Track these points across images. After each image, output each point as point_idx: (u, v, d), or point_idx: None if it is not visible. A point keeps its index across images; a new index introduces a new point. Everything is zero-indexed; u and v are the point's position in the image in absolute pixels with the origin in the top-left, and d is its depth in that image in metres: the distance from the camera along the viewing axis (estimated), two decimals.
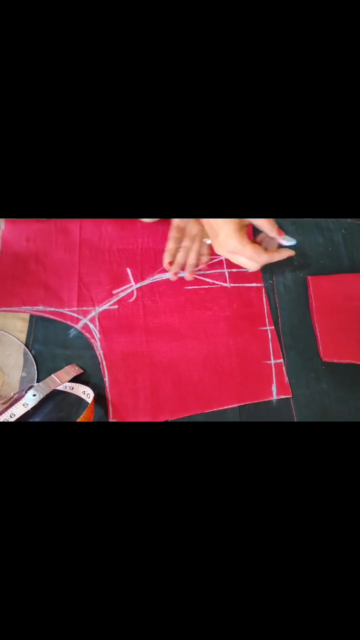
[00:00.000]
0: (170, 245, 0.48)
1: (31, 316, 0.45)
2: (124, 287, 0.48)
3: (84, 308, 0.46)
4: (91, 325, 0.45)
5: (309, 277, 0.52)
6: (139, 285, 0.49)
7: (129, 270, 0.49)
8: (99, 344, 0.44)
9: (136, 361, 0.44)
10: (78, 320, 0.45)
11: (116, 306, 0.47)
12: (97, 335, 0.45)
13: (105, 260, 0.49)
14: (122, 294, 0.48)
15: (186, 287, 0.49)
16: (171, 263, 0.48)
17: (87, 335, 0.45)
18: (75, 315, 0.45)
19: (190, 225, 0.48)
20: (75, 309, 0.46)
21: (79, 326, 0.45)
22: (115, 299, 0.47)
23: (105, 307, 0.47)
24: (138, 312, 0.47)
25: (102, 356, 0.44)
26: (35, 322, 0.45)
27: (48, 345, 0.44)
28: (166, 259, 0.48)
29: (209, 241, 0.47)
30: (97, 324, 0.45)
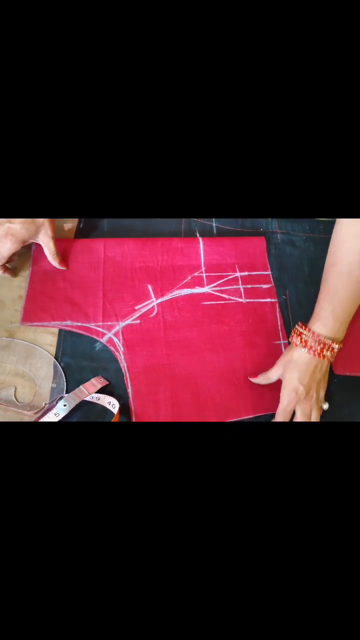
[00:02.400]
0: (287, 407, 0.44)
1: (60, 330, 0.48)
2: (146, 303, 0.51)
3: (109, 323, 0.49)
4: (115, 339, 0.48)
5: None
6: (159, 300, 0.51)
7: (149, 287, 0.52)
8: (122, 356, 0.47)
9: (157, 373, 0.47)
10: (103, 334, 0.48)
11: (138, 321, 0.50)
12: (121, 348, 0.48)
13: (127, 277, 0.52)
14: (143, 310, 0.51)
15: (204, 303, 0.52)
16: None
17: (112, 348, 0.48)
18: (100, 329, 0.48)
19: (300, 404, 0.44)
20: (100, 323, 0.49)
21: (104, 340, 0.48)
22: (137, 314, 0.50)
23: (128, 322, 0.49)
24: (159, 326, 0.50)
25: (126, 368, 0.47)
26: (64, 337, 0.48)
27: (76, 358, 0.47)
28: (279, 418, 0.44)
29: (325, 406, 0.46)
30: (121, 338, 0.48)
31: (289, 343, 0.50)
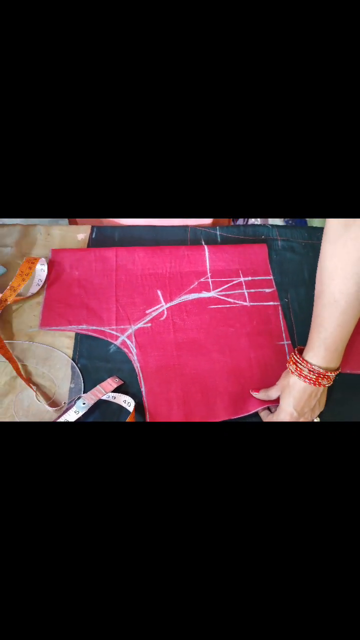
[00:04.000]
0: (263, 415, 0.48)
1: (76, 334, 0.51)
2: (156, 307, 0.54)
3: (122, 326, 0.52)
4: (128, 342, 0.51)
5: None
6: (168, 305, 0.54)
7: (159, 292, 0.55)
8: (135, 357, 0.50)
9: (168, 373, 0.50)
10: (117, 337, 0.51)
11: (149, 324, 0.53)
12: (134, 350, 0.51)
13: (138, 284, 0.55)
14: (154, 314, 0.54)
15: (210, 307, 0.55)
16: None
17: (125, 350, 0.50)
18: (114, 333, 0.51)
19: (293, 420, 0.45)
20: (114, 327, 0.52)
21: (118, 342, 0.51)
22: (148, 318, 0.53)
23: (140, 325, 0.52)
24: (169, 329, 0.53)
25: (139, 369, 0.50)
26: (80, 340, 0.51)
27: (92, 360, 0.49)
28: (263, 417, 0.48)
29: (317, 419, 0.47)
30: (134, 340, 0.51)
31: (292, 345, 0.53)
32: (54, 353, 0.49)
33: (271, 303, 0.57)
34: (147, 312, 0.53)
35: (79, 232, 0.59)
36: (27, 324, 0.51)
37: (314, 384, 0.44)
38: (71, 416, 0.44)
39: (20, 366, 0.48)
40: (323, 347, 0.44)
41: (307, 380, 0.44)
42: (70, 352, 0.50)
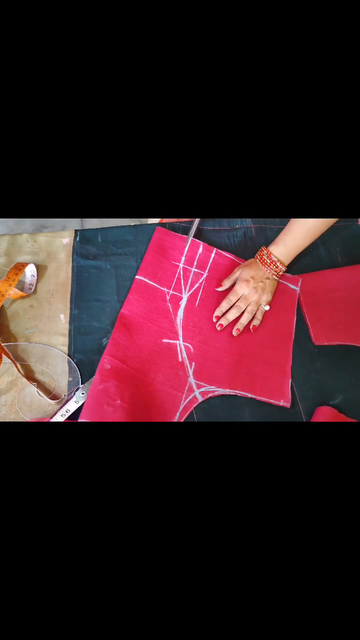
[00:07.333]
0: (223, 304, 0.56)
1: (70, 331, 0.54)
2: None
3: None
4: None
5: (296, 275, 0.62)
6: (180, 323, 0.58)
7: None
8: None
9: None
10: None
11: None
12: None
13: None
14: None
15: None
16: (218, 318, 0.56)
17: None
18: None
19: (248, 291, 0.56)
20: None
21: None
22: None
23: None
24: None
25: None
26: (74, 337, 0.54)
27: (86, 354, 0.53)
28: (216, 313, 0.56)
29: (266, 307, 0.57)
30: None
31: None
32: (50, 351, 0.53)
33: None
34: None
35: (64, 237, 0.62)
36: (23, 326, 0.54)
37: (267, 267, 0.57)
38: (72, 406, 0.47)
39: (19, 366, 0.51)
40: (283, 245, 0.57)
41: (263, 264, 0.57)
42: (65, 349, 0.53)
